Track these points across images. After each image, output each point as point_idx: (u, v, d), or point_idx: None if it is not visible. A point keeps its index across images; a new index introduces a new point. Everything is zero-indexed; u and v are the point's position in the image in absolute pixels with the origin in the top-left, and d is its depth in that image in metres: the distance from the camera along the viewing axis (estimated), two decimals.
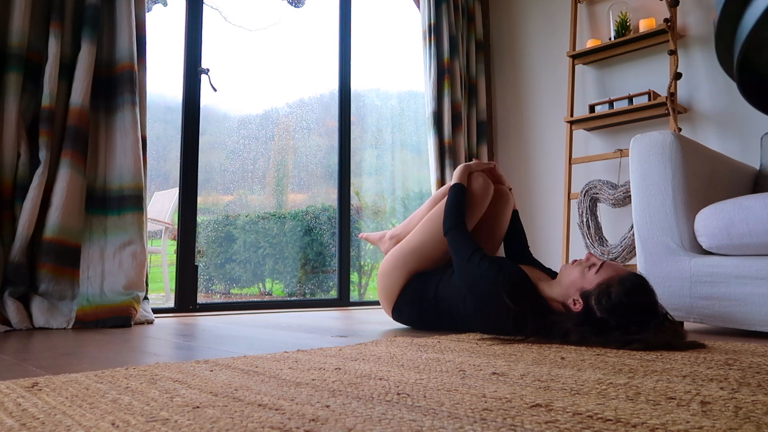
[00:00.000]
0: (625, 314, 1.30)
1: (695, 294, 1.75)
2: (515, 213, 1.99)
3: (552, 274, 1.71)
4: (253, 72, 3.31)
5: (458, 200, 1.77)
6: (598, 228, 2.96)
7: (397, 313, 1.88)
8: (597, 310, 1.33)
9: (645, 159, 1.88)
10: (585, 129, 3.17)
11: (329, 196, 3.45)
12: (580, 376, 0.89)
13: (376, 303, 3.28)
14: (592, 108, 3.06)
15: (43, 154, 1.96)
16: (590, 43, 3.17)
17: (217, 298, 3.28)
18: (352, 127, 3.35)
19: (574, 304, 1.40)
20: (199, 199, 2.64)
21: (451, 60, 3.43)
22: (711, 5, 2.90)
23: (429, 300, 1.76)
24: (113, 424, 0.61)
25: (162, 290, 3.80)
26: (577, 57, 3.20)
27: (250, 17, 3.27)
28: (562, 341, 1.37)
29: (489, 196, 1.84)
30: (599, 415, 0.63)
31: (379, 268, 1.92)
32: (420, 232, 1.86)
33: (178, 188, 2.64)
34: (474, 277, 1.57)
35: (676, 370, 0.95)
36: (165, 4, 2.87)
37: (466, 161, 3.42)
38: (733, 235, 1.66)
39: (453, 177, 1.85)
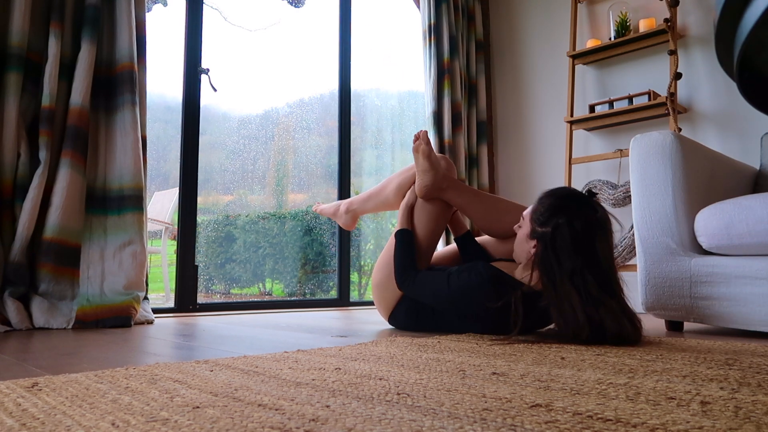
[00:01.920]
0: (560, 207, 1.38)
1: (695, 294, 1.75)
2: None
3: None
4: (253, 72, 3.31)
5: (404, 249, 1.71)
6: None
7: (393, 320, 1.84)
8: (541, 227, 1.39)
9: (645, 159, 1.88)
10: (585, 129, 3.17)
11: (329, 196, 3.45)
12: (580, 376, 0.89)
13: None
14: (592, 108, 3.06)
15: (43, 154, 1.96)
16: (590, 43, 3.17)
17: (217, 298, 3.28)
18: (352, 127, 3.35)
19: (534, 248, 1.41)
20: (199, 199, 2.64)
21: (451, 60, 3.43)
22: (711, 5, 2.90)
23: (427, 308, 1.71)
24: (113, 424, 0.61)
25: (162, 290, 3.80)
26: (577, 57, 3.20)
27: (250, 17, 3.27)
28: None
29: (445, 223, 1.79)
30: (599, 415, 0.63)
31: (372, 277, 1.86)
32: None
33: (178, 188, 2.64)
34: (466, 295, 1.52)
35: (676, 370, 0.95)
36: (165, 4, 2.87)
37: (466, 161, 3.42)
38: (733, 235, 1.66)
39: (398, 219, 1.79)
